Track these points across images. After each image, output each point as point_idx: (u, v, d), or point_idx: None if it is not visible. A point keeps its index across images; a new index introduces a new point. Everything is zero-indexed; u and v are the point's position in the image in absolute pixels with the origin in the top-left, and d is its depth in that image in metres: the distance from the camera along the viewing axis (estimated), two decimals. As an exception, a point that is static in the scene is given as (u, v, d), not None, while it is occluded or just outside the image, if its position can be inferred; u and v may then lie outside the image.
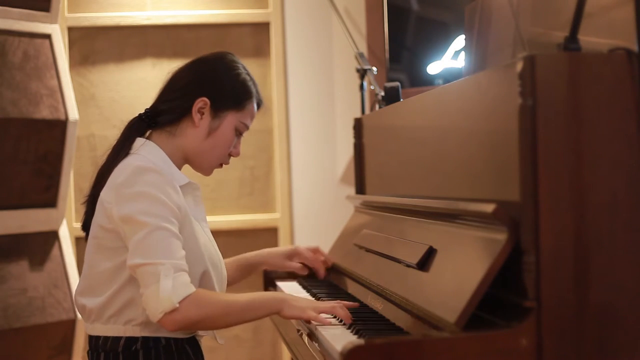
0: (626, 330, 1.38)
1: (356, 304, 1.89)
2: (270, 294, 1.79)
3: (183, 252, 1.66)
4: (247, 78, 1.87)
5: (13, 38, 2.89)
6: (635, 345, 1.38)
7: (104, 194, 1.72)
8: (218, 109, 1.82)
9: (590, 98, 1.38)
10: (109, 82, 3.66)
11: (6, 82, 2.84)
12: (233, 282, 2.11)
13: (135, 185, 1.67)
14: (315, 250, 2.32)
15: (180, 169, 1.85)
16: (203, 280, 1.76)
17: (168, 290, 1.59)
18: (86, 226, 1.81)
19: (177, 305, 1.60)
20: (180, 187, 1.77)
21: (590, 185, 1.38)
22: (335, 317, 1.78)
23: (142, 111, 1.86)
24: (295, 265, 2.27)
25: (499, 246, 1.40)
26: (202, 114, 1.81)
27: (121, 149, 1.79)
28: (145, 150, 1.78)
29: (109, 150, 1.81)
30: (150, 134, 1.84)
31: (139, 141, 1.80)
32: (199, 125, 1.81)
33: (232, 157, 1.91)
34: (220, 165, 1.89)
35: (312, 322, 1.75)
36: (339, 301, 1.83)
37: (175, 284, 1.60)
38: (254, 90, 1.87)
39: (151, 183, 1.67)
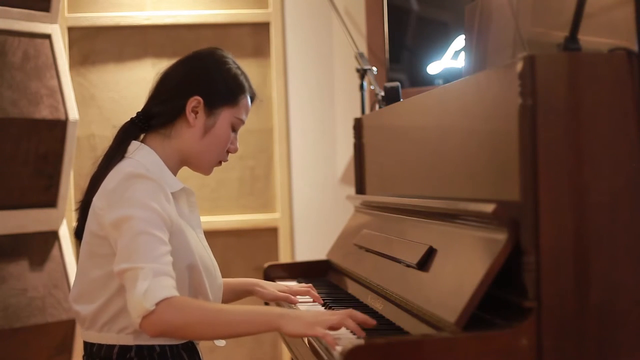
0: (626, 330, 1.38)
1: (373, 321, 1.59)
2: (267, 308, 1.64)
3: (169, 258, 1.61)
4: (239, 72, 1.84)
5: (13, 38, 2.89)
6: (635, 345, 1.38)
7: (96, 200, 1.69)
8: (212, 106, 1.78)
9: (590, 98, 1.38)
10: (109, 82, 3.66)
11: (6, 82, 2.84)
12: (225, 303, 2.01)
13: (126, 192, 1.64)
14: (309, 287, 2.13)
15: (177, 171, 1.82)
16: (194, 288, 1.73)
17: (141, 294, 1.53)
18: (79, 233, 1.78)
19: (152, 308, 1.53)
20: (175, 193, 1.75)
21: (590, 185, 1.38)
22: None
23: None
24: (283, 295, 2.07)
25: (499, 246, 1.40)
26: (197, 113, 1.77)
27: (114, 155, 1.76)
28: (140, 154, 1.75)
29: (102, 157, 1.79)
30: (145, 137, 1.81)
31: (134, 145, 1.77)
32: (194, 125, 1.77)
33: (231, 155, 1.87)
34: (220, 163, 1.85)
35: (322, 339, 1.58)
36: (350, 310, 1.57)
37: (152, 286, 1.54)
38: (246, 84, 1.84)
39: (142, 190, 1.64)
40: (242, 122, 1.84)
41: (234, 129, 1.83)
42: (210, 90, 1.79)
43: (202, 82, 1.79)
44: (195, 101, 1.77)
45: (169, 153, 1.79)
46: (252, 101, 1.87)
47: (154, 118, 1.80)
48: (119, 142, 1.79)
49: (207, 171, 1.86)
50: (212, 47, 1.90)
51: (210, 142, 1.80)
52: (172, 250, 1.65)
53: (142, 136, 1.82)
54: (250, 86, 1.86)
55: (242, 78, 1.84)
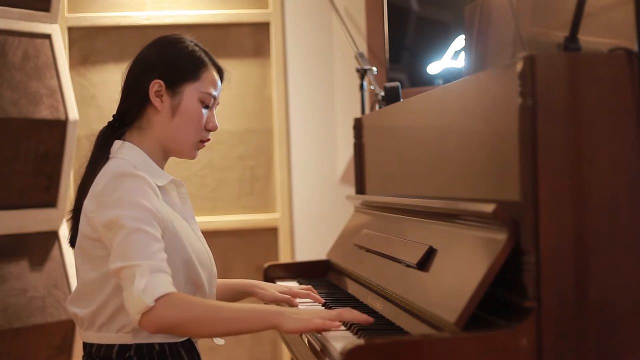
0: (626, 330, 1.38)
1: (370, 318, 1.64)
2: (266, 306, 1.65)
3: (163, 255, 1.61)
4: (196, 49, 1.83)
5: (13, 38, 2.89)
6: (635, 345, 1.38)
7: (87, 203, 1.70)
8: (173, 85, 1.78)
9: (590, 98, 1.38)
10: (109, 82, 3.66)
11: (6, 82, 2.84)
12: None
13: (115, 191, 1.64)
14: (309, 289, 2.12)
15: (164, 163, 1.82)
16: (191, 282, 1.74)
17: (140, 290, 1.53)
18: (74, 242, 1.77)
19: (152, 304, 1.53)
20: (165, 185, 1.75)
21: (590, 185, 1.38)
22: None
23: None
24: (284, 297, 2.05)
25: (499, 246, 1.40)
26: (161, 96, 1.77)
27: (97, 160, 1.76)
28: (124, 152, 1.75)
29: (86, 163, 1.79)
30: (124, 136, 1.81)
31: (117, 144, 1.77)
32: (161, 109, 1.77)
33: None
34: (202, 144, 1.83)
35: (322, 331, 1.61)
36: (345, 308, 1.66)
37: (150, 282, 1.54)
38: (206, 58, 1.83)
39: (131, 189, 1.64)
40: (212, 96, 1.82)
41: (206, 105, 1.81)
42: (168, 70, 1.78)
43: (159, 65, 1.79)
44: (156, 84, 1.77)
45: (149, 145, 1.79)
46: (220, 75, 1.86)
47: (126, 115, 1.81)
48: (100, 146, 1.79)
49: (190, 154, 1.83)
50: (166, 34, 1.89)
51: (181, 121, 1.78)
52: (166, 247, 1.65)
53: (123, 137, 1.81)
54: (211, 60, 1.84)
55: (199, 53, 1.83)
